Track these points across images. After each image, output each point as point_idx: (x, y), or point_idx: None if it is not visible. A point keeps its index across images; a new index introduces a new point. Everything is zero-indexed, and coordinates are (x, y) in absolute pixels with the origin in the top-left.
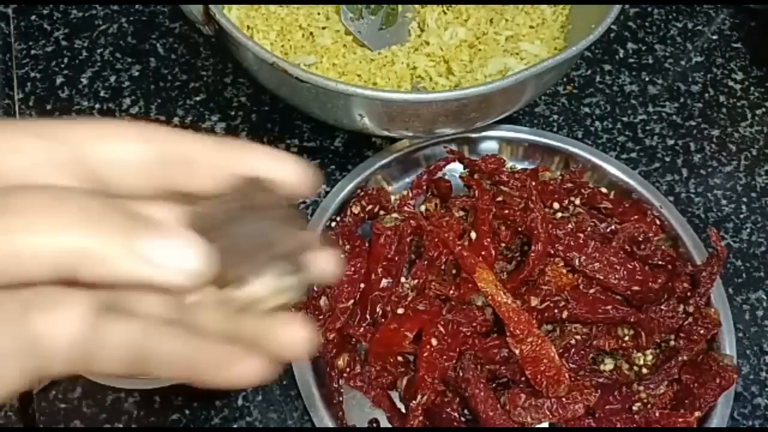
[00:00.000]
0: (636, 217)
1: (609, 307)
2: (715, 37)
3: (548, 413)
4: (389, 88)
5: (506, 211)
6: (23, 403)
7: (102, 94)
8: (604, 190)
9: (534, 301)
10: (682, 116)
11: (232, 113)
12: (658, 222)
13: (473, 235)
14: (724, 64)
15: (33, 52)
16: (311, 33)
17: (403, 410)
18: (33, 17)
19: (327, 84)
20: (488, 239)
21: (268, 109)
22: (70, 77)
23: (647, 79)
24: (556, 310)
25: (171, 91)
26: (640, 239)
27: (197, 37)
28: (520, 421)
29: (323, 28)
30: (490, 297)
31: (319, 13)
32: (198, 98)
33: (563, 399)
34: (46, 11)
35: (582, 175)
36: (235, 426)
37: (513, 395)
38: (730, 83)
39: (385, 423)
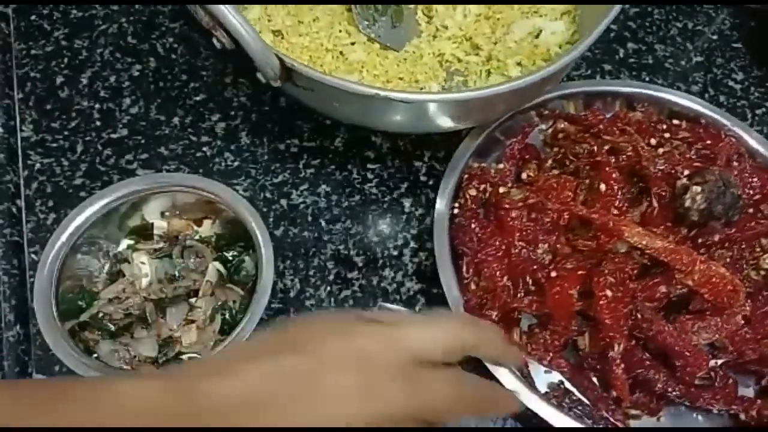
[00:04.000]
0: (711, 142)
1: (752, 223)
2: (715, 37)
3: (715, 330)
4: (434, 85)
5: (620, 157)
6: None
7: (102, 94)
8: (675, 121)
9: (683, 231)
10: None
11: (232, 113)
12: (734, 140)
13: (602, 187)
14: (724, 64)
15: (33, 51)
16: (341, 52)
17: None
18: (33, 17)
19: (410, 98)
20: (619, 187)
21: (268, 109)
22: (69, 77)
23: (648, 79)
24: (707, 235)
25: (171, 91)
26: (735, 157)
27: (197, 37)
28: (697, 342)
29: (352, 43)
30: (645, 246)
31: (340, 31)
32: (198, 98)
33: (725, 315)
34: (46, 11)
35: (653, 112)
36: None
37: (682, 324)
38: (731, 83)
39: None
